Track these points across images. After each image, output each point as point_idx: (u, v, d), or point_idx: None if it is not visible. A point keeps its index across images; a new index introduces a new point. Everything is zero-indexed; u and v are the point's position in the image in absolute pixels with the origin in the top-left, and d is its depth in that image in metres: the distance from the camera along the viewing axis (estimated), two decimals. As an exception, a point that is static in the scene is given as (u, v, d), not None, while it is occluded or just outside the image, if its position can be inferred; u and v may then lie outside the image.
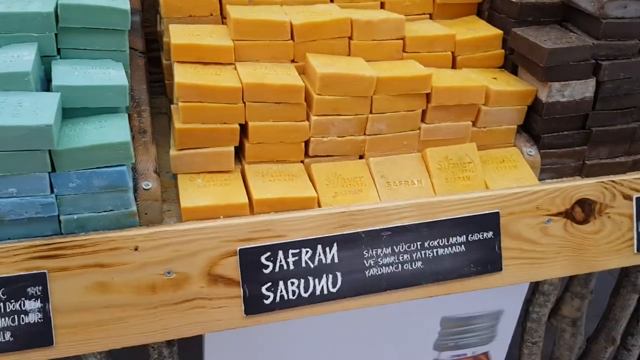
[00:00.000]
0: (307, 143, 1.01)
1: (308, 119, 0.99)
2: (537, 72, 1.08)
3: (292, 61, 1.05)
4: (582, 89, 1.09)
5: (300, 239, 0.85)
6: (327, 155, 1.02)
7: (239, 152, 1.00)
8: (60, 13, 0.88)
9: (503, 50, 1.17)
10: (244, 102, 0.95)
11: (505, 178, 1.05)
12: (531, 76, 1.11)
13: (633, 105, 1.14)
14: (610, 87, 1.11)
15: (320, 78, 0.97)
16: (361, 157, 1.04)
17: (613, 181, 1.06)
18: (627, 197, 1.05)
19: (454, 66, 1.15)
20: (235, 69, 0.99)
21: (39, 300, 0.75)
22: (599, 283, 1.32)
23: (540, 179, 1.11)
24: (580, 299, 1.31)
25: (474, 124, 1.08)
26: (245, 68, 0.99)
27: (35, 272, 0.75)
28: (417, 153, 1.05)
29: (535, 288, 1.26)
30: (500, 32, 1.16)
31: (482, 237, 0.97)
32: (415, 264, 0.93)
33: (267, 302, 0.83)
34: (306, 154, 1.01)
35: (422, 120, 1.05)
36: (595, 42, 1.08)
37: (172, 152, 0.93)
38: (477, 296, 1.16)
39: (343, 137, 1.01)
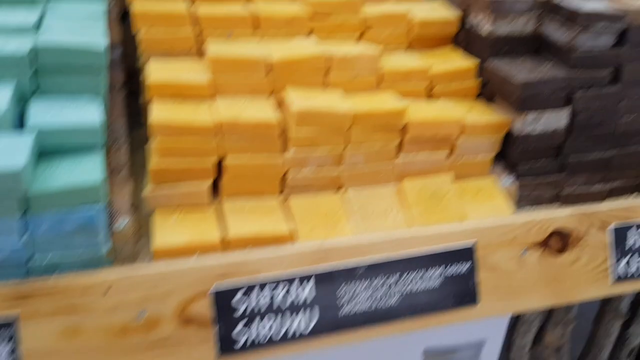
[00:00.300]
0: (284, 176, 1.01)
1: (285, 151, 1.00)
2: (511, 103, 1.09)
3: (272, 93, 1.06)
4: (557, 119, 1.11)
5: (275, 276, 0.85)
6: (305, 188, 1.02)
7: (216, 185, 1.00)
8: (36, 54, 0.88)
9: (479, 80, 1.18)
10: (221, 137, 0.96)
11: (482, 209, 1.06)
12: (506, 106, 1.12)
13: (607, 134, 1.15)
14: (584, 116, 1.12)
15: (297, 113, 0.98)
16: (340, 188, 1.05)
17: (589, 211, 1.06)
18: (603, 227, 1.05)
19: (431, 96, 1.16)
20: (214, 103, 1.00)
21: (9, 346, 0.75)
22: (584, 304, 1.32)
23: (517, 209, 1.11)
24: (563, 326, 1.31)
25: (449, 155, 1.09)
26: (223, 103, 1.00)
27: (5, 316, 0.75)
28: (394, 184, 1.06)
29: (517, 316, 1.26)
30: (474, 63, 1.17)
31: (459, 269, 0.97)
32: (391, 298, 0.93)
33: (241, 342, 0.82)
34: (284, 187, 1.02)
35: (399, 152, 1.06)
36: (568, 73, 1.09)
37: (147, 189, 0.94)
38: (459, 326, 1.16)
39: (320, 169, 1.02)
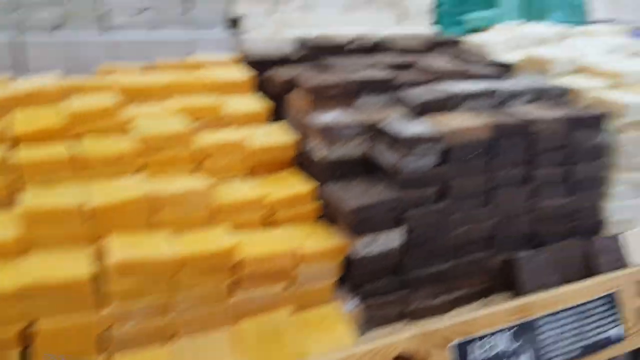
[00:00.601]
0: (107, 332, 0.94)
1: (106, 306, 0.93)
2: (345, 228, 1.11)
3: (96, 240, 1.00)
4: (392, 239, 1.13)
5: None
6: (131, 343, 0.95)
7: (27, 354, 0.91)
8: None
9: (319, 203, 1.19)
10: (28, 302, 0.88)
11: (324, 340, 1.04)
12: (344, 229, 1.13)
13: (443, 247, 1.19)
14: (418, 233, 1.15)
15: (116, 265, 0.92)
16: (172, 337, 0.99)
17: (431, 330, 1.07)
18: (445, 345, 1.06)
19: (270, 224, 1.15)
20: (21, 263, 0.92)
21: None
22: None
23: (364, 331, 1.10)
24: None
25: (288, 287, 1.07)
26: (34, 261, 0.92)
27: None
28: (230, 327, 1.02)
29: None
30: (312, 187, 1.18)
31: (299, 414, 0.93)
32: None
33: None
34: (108, 345, 0.94)
35: (233, 291, 1.03)
36: (398, 194, 1.13)
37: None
38: None
39: (147, 321, 0.95)
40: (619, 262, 1.37)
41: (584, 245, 1.35)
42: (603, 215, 1.40)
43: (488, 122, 1.22)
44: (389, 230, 1.12)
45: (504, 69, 1.59)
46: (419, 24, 1.87)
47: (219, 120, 1.28)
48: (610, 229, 1.41)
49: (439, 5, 1.91)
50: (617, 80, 1.48)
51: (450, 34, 1.86)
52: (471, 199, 1.22)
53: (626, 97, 1.39)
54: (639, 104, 1.37)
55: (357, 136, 1.20)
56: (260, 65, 1.46)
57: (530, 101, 1.38)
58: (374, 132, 1.20)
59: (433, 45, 1.73)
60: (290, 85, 1.34)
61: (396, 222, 1.13)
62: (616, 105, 1.37)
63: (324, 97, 1.26)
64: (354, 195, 1.12)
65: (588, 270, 1.34)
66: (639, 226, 1.42)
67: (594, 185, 1.37)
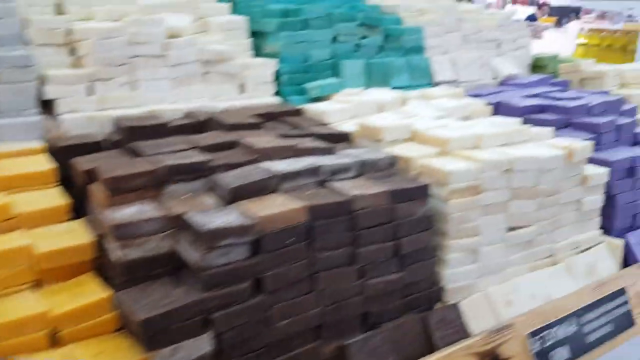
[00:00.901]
0: None
1: None
2: (140, 342, 0.98)
3: None
4: (198, 347, 1.02)
5: None
6: None
7: None
8: None
9: (117, 312, 1.06)
10: None
11: None
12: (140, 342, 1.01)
13: (265, 344, 1.09)
14: (231, 335, 1.05)
15: None
16: None
17: None
18: None
19: (57, 344, 1.00)
20: None
21: None
22: None
23: None
24: None
25: (70, 422, 0.92)
26: None
27: None
28: None
29: None
30: (108, 295, 1.05)
31: None
32: None
33: None
34: None
35: None
36: (202, 295, 1.02)
37: None
38: None
39: None
40: (459, 333, 1.33)
41: (421, 319, 1.31)
42: (439, 285, 1.37)
43: (304, 204, 1.15)
44: (194, 337, 1.01)
45: (341, 139, 1.56)
46: (260, 95, 1.82)
47: (5, 223, 1.12)
48: (448, 298, 1.38)
49: (280, 74, 1.88)
50: (444, 147, 1.49)
51: (292, 103, 1.83)
52: (292, 288, 1.13)
53: (450, 164, 1.39)
54: (462, 171, 1.37)
55: (157, 232, 1.09)
56: (69, 152, 1.33)
57: (356, 175, 1.34)
58: (179, 225, 1.10)
59: (272, 116, 1.68)
60: (93, 176, 1.21)
61: (203, 327, 1.02)
62: (441, 173, 1.37)
63: (125, 188, 1.14)
64: (149, 302, 1.00)
65: (428, 345, 1.29)
66: (475, 292, 1.41)
67: (426, 256, 1.33)
